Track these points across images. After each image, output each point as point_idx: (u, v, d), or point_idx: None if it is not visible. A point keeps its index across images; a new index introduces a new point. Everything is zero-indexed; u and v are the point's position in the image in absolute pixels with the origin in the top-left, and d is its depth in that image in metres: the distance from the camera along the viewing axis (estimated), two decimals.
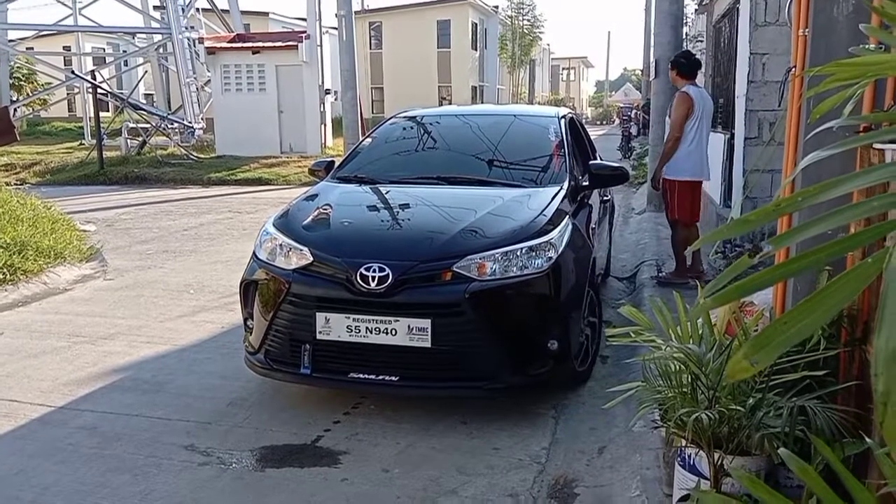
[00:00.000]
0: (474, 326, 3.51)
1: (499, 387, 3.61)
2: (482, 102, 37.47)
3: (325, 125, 19.95)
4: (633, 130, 23.11)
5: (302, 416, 3.77)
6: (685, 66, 5.97)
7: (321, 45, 19.61)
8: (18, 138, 21.06)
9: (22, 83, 30.74)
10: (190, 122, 20.70)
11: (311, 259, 3.73)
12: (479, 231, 3.78)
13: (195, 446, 3.45)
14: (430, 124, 5.53)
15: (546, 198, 4.18)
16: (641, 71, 35.25)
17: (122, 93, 23.75)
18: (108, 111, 25.98)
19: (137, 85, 25.74)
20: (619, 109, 34.40)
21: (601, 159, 6.35)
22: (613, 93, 55.77)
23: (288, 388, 4.03)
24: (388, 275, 3.48)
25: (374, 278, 3.49)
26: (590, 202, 4.88)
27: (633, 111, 24.96)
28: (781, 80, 5.32)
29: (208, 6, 24.98)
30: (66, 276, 6.82)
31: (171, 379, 4.36)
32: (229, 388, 4.17)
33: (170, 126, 20.50)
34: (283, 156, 18.81)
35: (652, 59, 11.32)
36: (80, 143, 24.38)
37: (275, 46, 19.81)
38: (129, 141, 19.49)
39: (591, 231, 4.57)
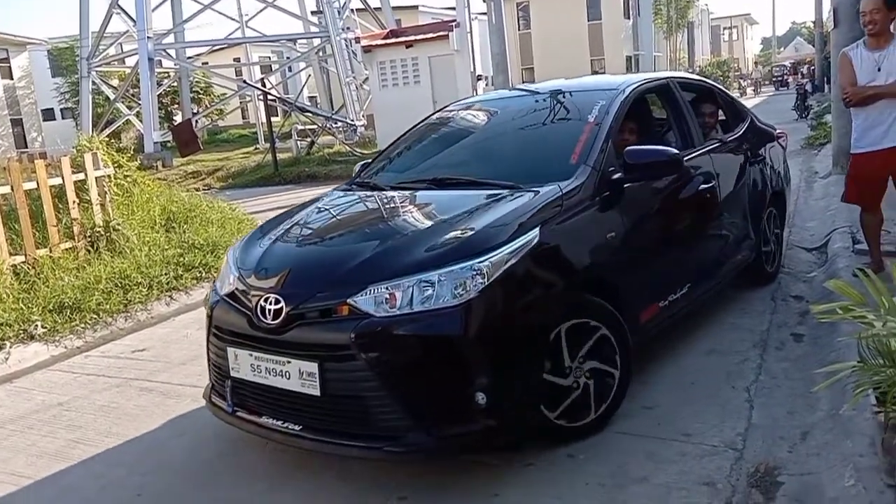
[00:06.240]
0: (366, 374, 2.84)
1: (401, 450, 2.86)
2: (637, 72, 36.13)
3: None
4: (809, 87, 21.42)
5: None
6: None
7: (471, 32, 19.74)
8: (202, 147, 23.06)
9: (200, 96, 33.60)
10: (352, 120, 21.64)
11: (234, 286, 3.32)
12: (404, 252, 3.06)
13: None
14: (478, 111, 4.82)
15: (520, 203, 3.27)
16: (813, 23, 32.44)
17: (288, 97, 25.27)
18: (277, 116, 27.78)
19: (302, 89, 27.27)
20: (772, 70, 31.67)
21: (759, 123, 5.58)
22: (782, 49, 51.89)
23: None
24: (281, 307, 2.98)
25: (269, 311, 3.01)
26: (642, 197, 3.77)
27: (807, 66, 23.12)
28: None
29: (362, 6, 25.91)
30: None
31: None
32: None
33: (334, 125, 21.55)
34: None
35: (828, 7, 10.37)
36: (255, 148, 26.18)
37: (427, 38, 20.18)
38: (298, 142, 20.78)
39: (615, 240, 3.46)
